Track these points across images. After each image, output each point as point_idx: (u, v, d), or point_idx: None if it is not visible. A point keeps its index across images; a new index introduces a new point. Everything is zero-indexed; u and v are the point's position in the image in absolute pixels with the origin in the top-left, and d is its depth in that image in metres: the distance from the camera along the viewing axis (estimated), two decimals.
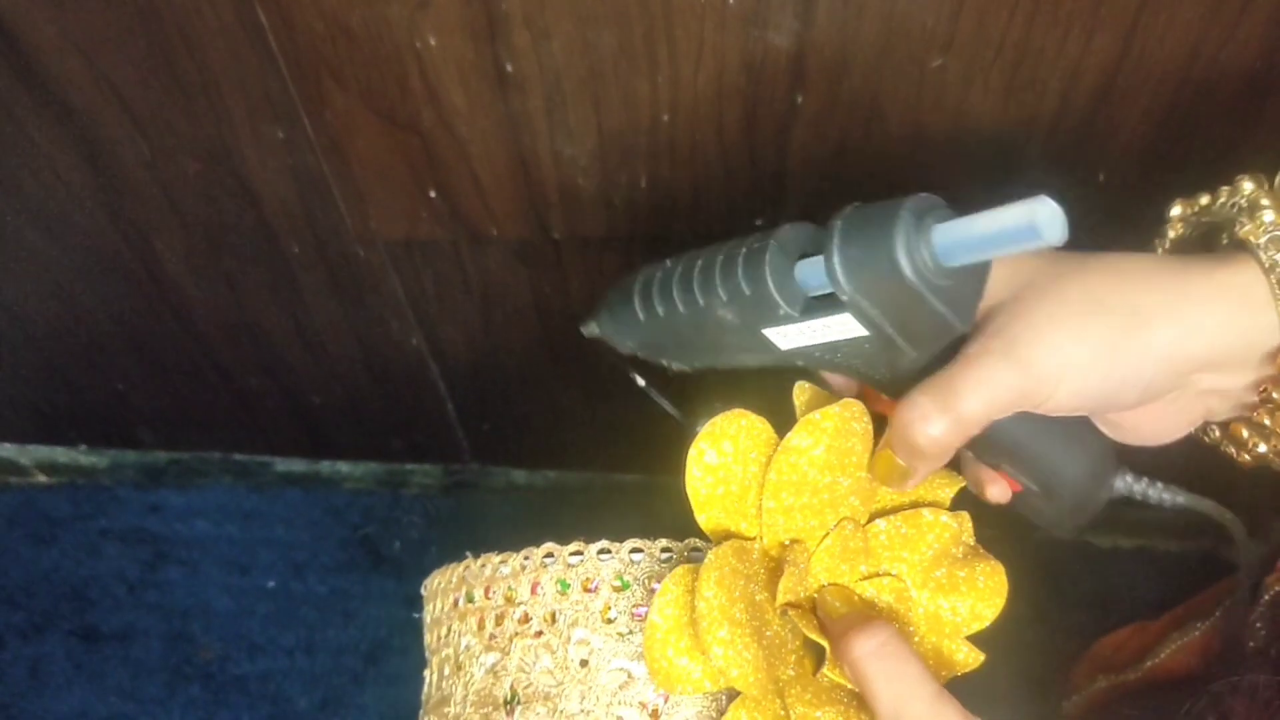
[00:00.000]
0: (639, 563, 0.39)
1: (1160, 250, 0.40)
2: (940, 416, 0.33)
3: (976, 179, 0.60)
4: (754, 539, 0.38)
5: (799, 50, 0.54)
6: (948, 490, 0.42)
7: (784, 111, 0.57)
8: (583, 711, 0.37)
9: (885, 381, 0.37)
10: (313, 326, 0.81)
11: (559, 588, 0.39)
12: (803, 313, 0.36)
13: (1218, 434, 0.41)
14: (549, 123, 0.59)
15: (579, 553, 0.39)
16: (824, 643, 0.36)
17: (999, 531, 1.02)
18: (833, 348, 0.36)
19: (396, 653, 0.99)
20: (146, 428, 1.02)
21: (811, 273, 0.35)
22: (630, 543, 0.39)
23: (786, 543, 0.38)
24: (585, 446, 0.95)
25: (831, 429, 0.37)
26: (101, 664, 1.00)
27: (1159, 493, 0.41)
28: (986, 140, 0.58)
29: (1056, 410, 0.35)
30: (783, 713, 0.36)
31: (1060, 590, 0.97)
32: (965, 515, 0.41)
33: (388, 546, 1.03)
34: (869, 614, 0.36)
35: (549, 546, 0.40)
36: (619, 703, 0.37)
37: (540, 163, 0.62)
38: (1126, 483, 0.40)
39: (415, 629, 1.05)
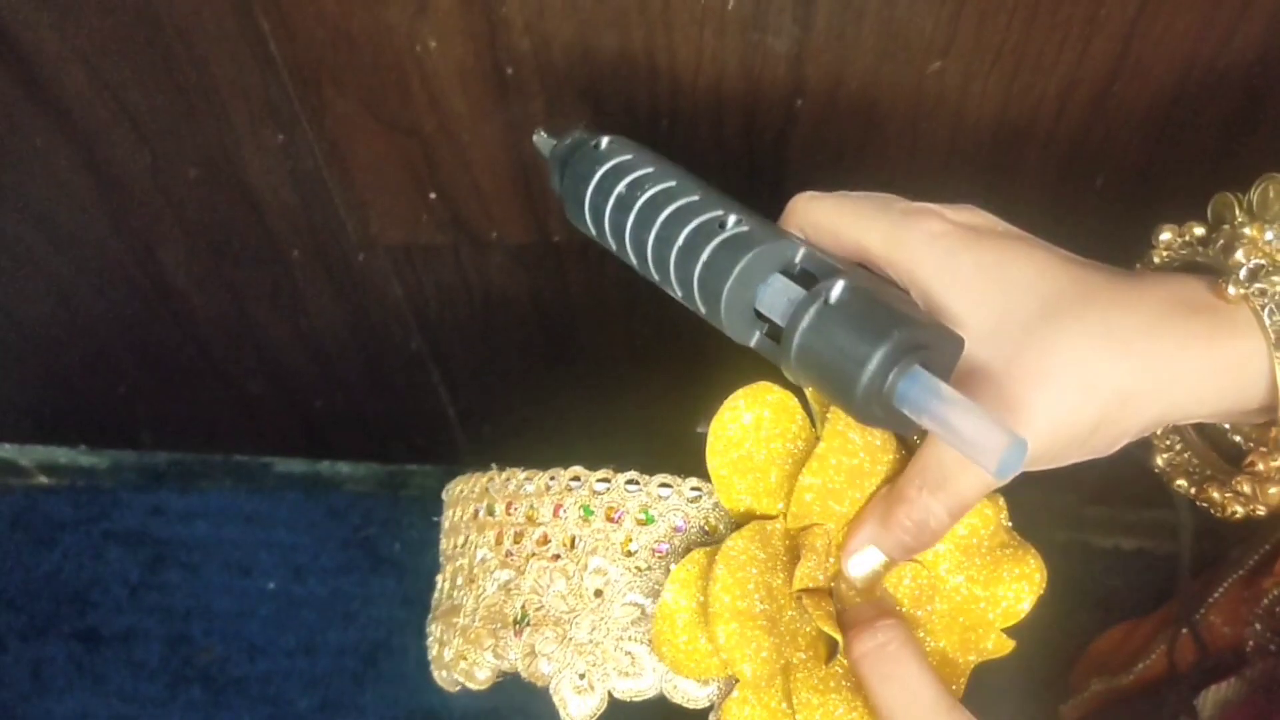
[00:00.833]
0: (666, 498, 0.37)
1: (1138, 267, 0.39)
2: (948, 519, 0.33)
3: (975, 184, 0.60)
4: (775, 518, 0.37)
5: (798, 56, 0.54)
6: None
7: (783, 117, 0.58)
8: (591, 642, 0.37)
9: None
10: (313, 330, 0.82)
11: (582, 513, 0.38)
12: (755, 344, 0.34)
13: (1189, 489, 0.40)
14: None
15: (606, 480, 0.38)
16: (835, 634, 0.35)
17: None
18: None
19: (397, 654, 0.99)
20: (147, 429, 1.02)
21: (772, 303, 0.33)
22: (659, 477, 0.38)
23: (804, 526, 0.37)
24: (585, 448, 0.95)
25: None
26: (102, 666, 1.00)
27: None
28: (984, 146, 0.58)
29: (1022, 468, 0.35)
30: (782, 701, 0.35)
31: (1060, 590, 0.97)
32: (1000, 500, 0.40)
33: (388, 548, 1.04)
34: (882, 607, 0.36)
35: (576, 470, 0.38)
36: (629, 638, 0.36)
37: (541, 167, 0.62)
38: None
39: (416, 630, 1.05)
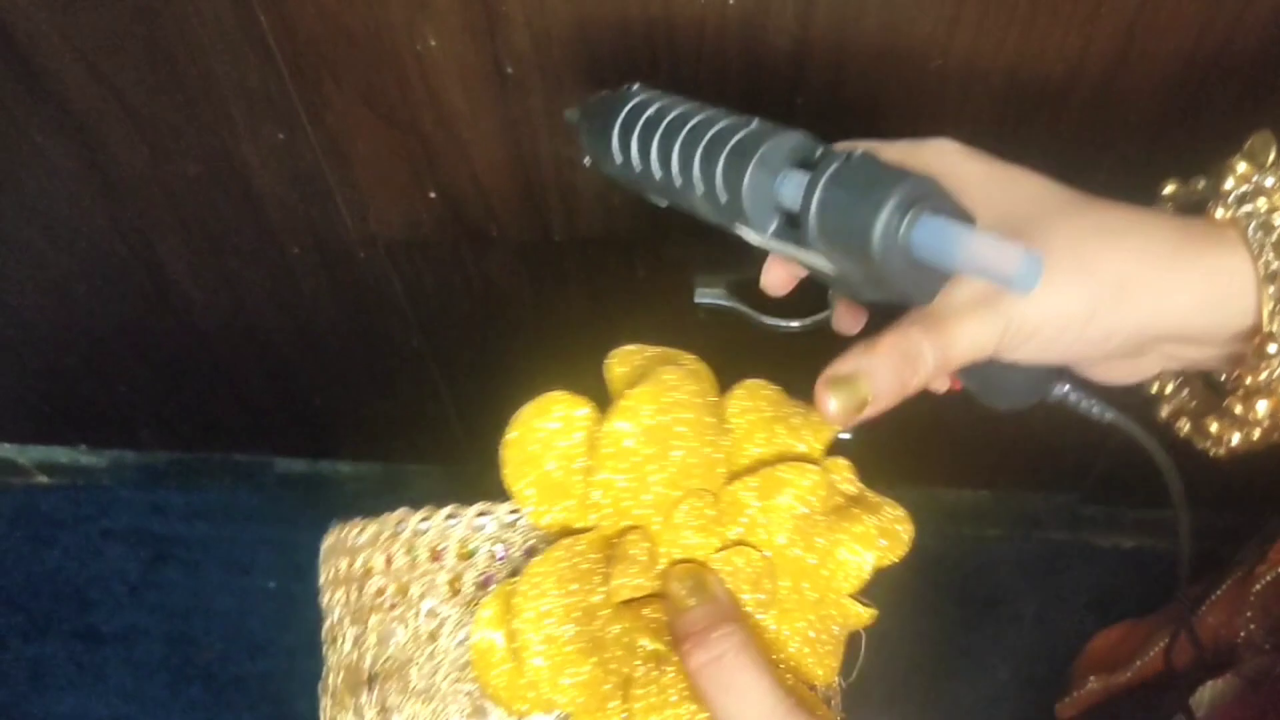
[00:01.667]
0: (483, 528, 0.37)
1: None
2: (933, 359, 0.33)
3: None
4: (585, 530, 0.36)
5: (798, 52, 0.54)
6: (816, 441, 0.40)
7: (783, 113, 0.57)
8: (431, 688, 0.36)
9: (846, 296, 0.37)
10: (313, 327, 0.82)
11: (409, 557, 0.37)
12: (773, 234, 0.35)
13: (1189, 428, 0.41)
14: (549, 124, 0.60)
15: (427, 518, 0.37)
16: (657, 645, 0.34)
17: (1001, 531, 1.03)
18: (800, 263, 0.36)
19: None
20: (147, 428, 1.02)
21: (791, 190, 0.33)
22: (477, 506, 0.37)
23: (621, 531, 0.36)
24: None
25: (651, 404, 0.35)
26: (103, 665, 1.00)
27: (1090, 407, 0.41)
28: (985, 141, 0.58)
29: (1018, 360, 0.36)
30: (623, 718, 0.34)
31: (1060, 590, 0.98)
32: (841, 462, 0.39)
33: None
34: (718, 611, 0.34)
35: (401, 513, 0.38)
36: (466, 678, 0.36)
37: (540, 164, 0.62)
38: (1063, 391, 0.40)
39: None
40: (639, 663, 0.34)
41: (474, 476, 1.04)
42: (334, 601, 0.39)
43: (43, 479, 1.10)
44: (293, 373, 0.88)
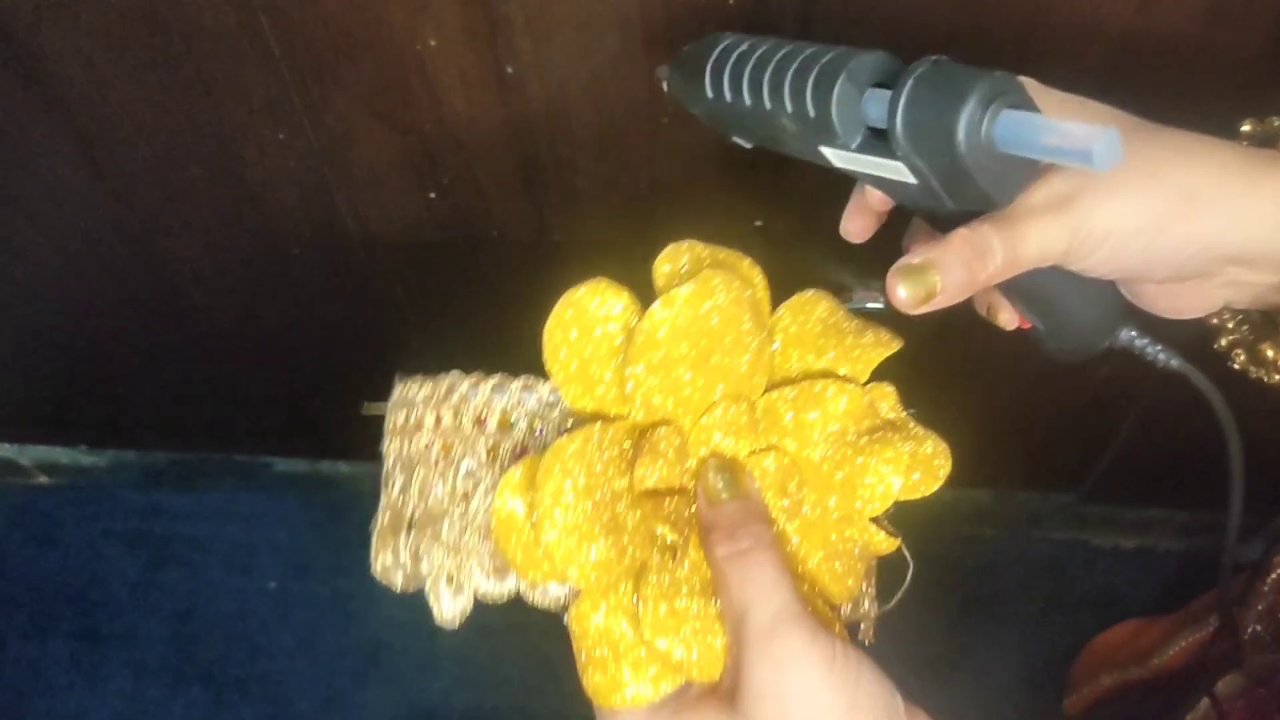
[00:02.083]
0: (526, 403, 0.38)
1: None
2: (1002, 255, 0.34)
3: None
4: (619, 418, 0.36)
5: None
6: (863, 362, 0.40)
7: None
8: (460, 544, 0.37)
9: (926, 216, 0.38)
10: (314, 328, 0.82)
11: (456, 419, 0.39)
12: (858, 147, 0.36)
13: (1244, 357, 0.42)
14: (549, 125, 0.60)
15: (476, 385, 0.39)
16: (671, 535, 0.35)
17: (1002, 530, 1.03)
18: (880, 181, 0.38)
19: (397, 653, 0.99)
20: (147, 428, 1.02)
21: (876, 107, 0.35)
22: (522, 379, 0.38)
23: (654, 424, 0.36)
24: None
25: (691, 302, 0.36)
26: (103, 665, 1.00)
27: (1156, 352, 0.41)
28: None
29: (1088, 270, 0.36)
30: (632, 604, 0.35)
31: (1060, 590, 0.98)
32: (886, 388, 0.40)
33: None
34: (749, 509, 0.35)
35: (453, 376, 0.39)
36: (491, 539, 0.37)
37: (541, 165, 0.62)
38: (1129, 336, 0.41)
39: (416, 630, 1.05)
40: (655, 552, 0.35)
41: None
42: (390, 449, 0.41)
43: (43, 479, 1.10)
44: (293, 373, 0.88)
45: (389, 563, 0.39)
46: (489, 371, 0.40)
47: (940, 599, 0.93)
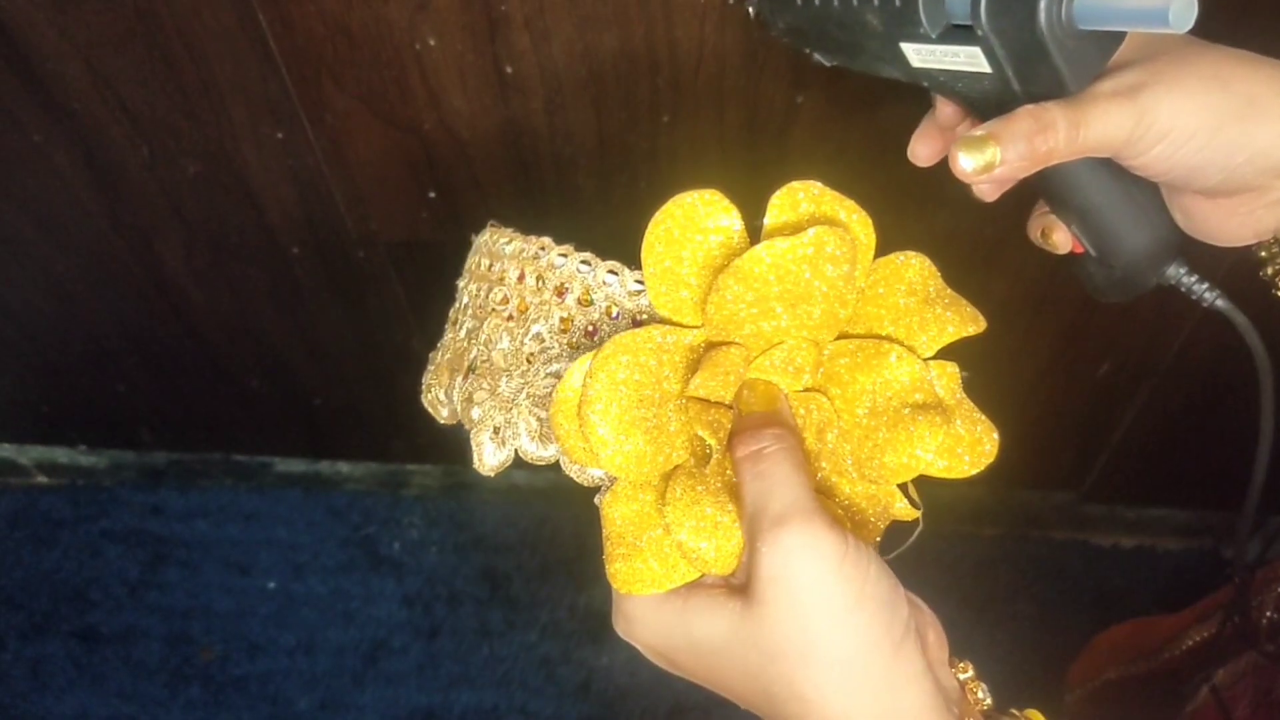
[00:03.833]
0: (609, 285, 0.39)
1: None
2: (1065, 131, 0.36)
3: None
4: (692, 328, 0.37)
5: (799, 50, 0.54)
6: (936, 339, 0.41)
7: (784, 111, 0.58)
8: (514, 401, 0.38)
9: (994, 117, 0.40)
10: (313, 328, 0.82)
11: (537, 283, 0.40)
12: (939, 37, 0.38)
13: None
14: (549, 124, 0.60)
15: (565, 255, 0.39)
16: (709, 438, 0.36)
17: (1001, 530, 1.03)
18: (955, 76, 0.39)
19: (396, 653, 0.99)
20: (147, 428, 1.02)
21: (959, 2, 0.37)
22: (609, 264, 0.39)
23: (720, 344, 0.37)
24: None
25: (794, 253, 0.36)
26: (102, 665, 1.00)
27: (1203, 290, 0.42)
28: None
29: (1143, 169, 0.38)
30: (659, 501, 0.36)
31: (1060, 590, 0.98)
32: (950, 367, 0.40)
33: (387, 547, 1.04)
34: (776, 418, 0.36)
35: (544, 240, 0.40)
36: (543, 406, 0.38)
37: (541, 164, 0.62)
38: (1178, 272, 0.42)
39: (415, 630, 1.05)
40: (691, 456, 0.36)
41: (475, 476, 1.04)
42: (465, 290, 0.42)
43: (42, 479, 1.10)
44: (293, 373, 0.88)
45: (439, 398, 0.40)
46: None
47: (939, 599, 0.92)
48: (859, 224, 0.39)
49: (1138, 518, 0.99)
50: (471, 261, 0.42)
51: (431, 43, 0.55)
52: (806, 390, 0.38)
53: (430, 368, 0.42)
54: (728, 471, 0.36)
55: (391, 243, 0.71)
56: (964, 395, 0.41)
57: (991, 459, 0.39)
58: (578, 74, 0.56)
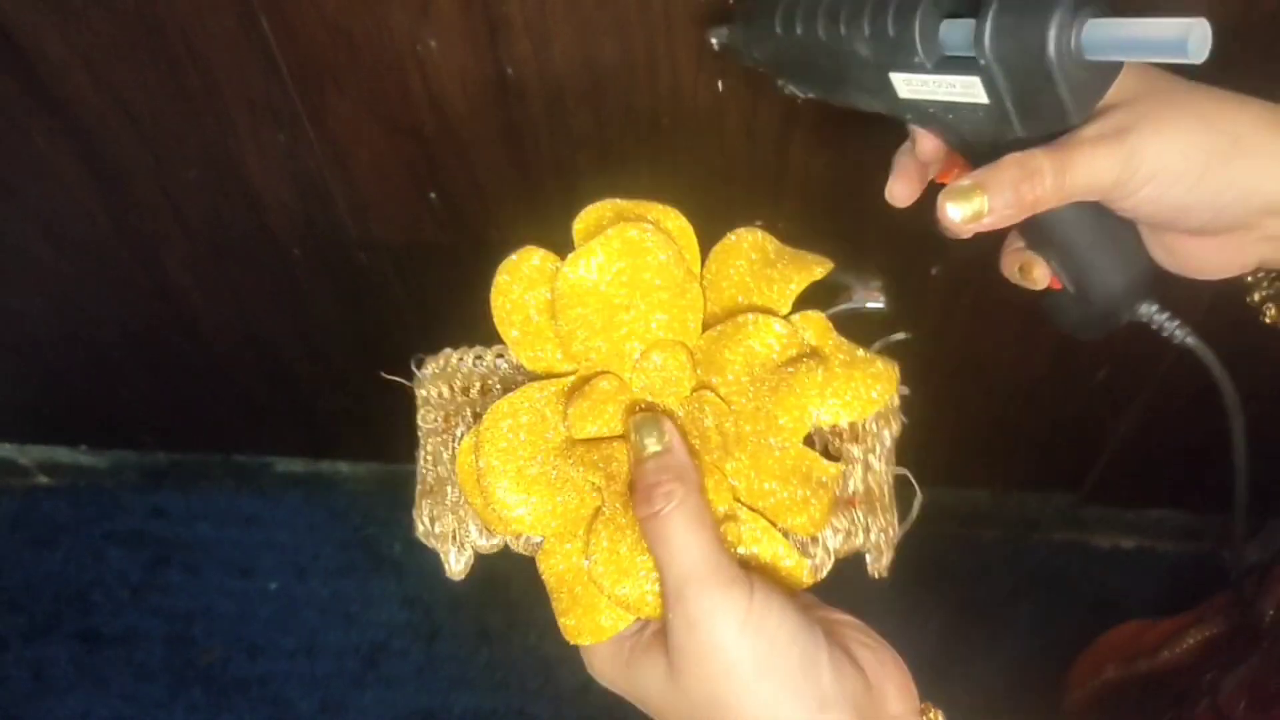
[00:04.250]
0: (501, 367, 0.42)
1: None
2: (1052, 178, 0.35)
3: None
4: (567, 375, 0.39)
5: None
6: (788, 292, 0.41)
7: (784, 115, 0.58)
8: (459, 504, 0.40)
9: (981, 153, 0.39)
10: (314, 329, 0.82)
11: (451, 391, 0.42)
12: (935, 67, 0.37)
13: (1274, 311, 0.43)
14: (550, 128, 0.60)
15: (463, 358, 0.42)
16: (598, 483, 0.36)
17: (1000, 532, 1.03)
18: (947, 108, 0.38)
19: (397, 655, 0.99)
20: (148, 429, 1.02)
21: (956, 33, 0.36)
22: (496, 348, 0.42)
23: (595, 376, 0.38)
24: None
25: (601, 253, 0.37)
26: (103, 667, 1.00)
27: (1174, 329, 0.42)
28: None
29: (1131, 210, 0.37)
30: (582, 552, 0.37)
31: (1060, 592, 0.98)
32: (813, 315, 0.41)
33: (388, 548, 1.04)
34: (667, 465, 0.35)
35: (446, 353, 0.43)
36: None
37: (541, 166, 0.63)
38: (1149, 310, 0.42)
39: (416, 631, 1.05)
40: (601, 505, 0.37)
41: None
42: (420, 422, 0.44)
43: (44, 479, 1.10)
44: (293, 373, 0.88)
45: (421, 529, 0.42)
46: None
47: (938, 601, 0.93)
48: (669, 217, 0.40)
49: (1137, 520, 0.99)
50: (418, 397, 0.44)
51: (432, 45, 0.55)
52: (693, 392, 0.39)
53: (416, 502, 0.43)
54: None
55: (392, 245, 0.71)
56: (841, 337, 0.41)
57: (893, 386, 0.40)
58: (578, 77, 0.56)
